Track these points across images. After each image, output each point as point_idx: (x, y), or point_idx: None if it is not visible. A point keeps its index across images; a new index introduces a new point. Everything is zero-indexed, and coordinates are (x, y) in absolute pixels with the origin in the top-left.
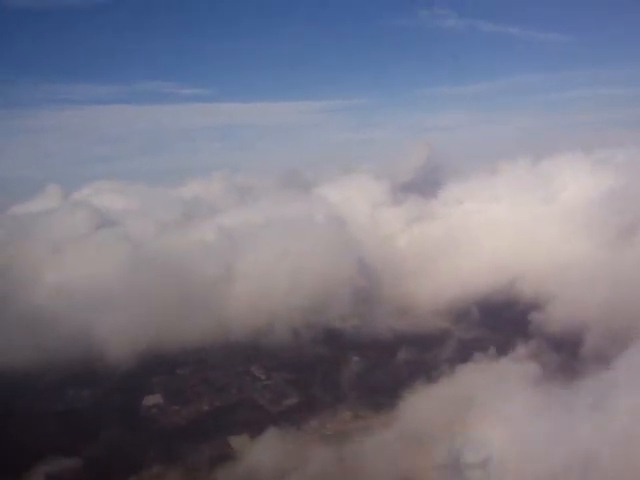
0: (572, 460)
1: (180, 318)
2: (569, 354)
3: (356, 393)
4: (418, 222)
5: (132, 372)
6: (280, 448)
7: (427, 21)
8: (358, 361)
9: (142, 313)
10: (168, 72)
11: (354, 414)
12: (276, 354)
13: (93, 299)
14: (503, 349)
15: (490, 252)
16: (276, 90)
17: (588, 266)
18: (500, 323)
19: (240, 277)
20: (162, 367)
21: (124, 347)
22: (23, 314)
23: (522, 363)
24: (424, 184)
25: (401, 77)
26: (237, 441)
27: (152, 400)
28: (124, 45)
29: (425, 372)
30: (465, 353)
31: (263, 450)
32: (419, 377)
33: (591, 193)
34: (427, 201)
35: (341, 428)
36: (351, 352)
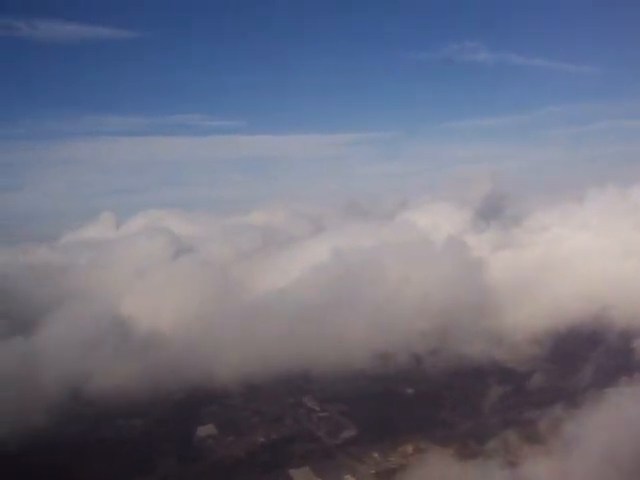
0: None
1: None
2: None
3: (414, 426)
4: (503, 249)
5: (181, 402)
6: None
7: (457, 54)
8: (412, 393)
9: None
10: (195, 104)
11: (415, 447)
12: (326, 386)
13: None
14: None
15: (580, 280)
16: (303, 122)
17: None
18: (597, 351)
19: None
20: (211, 397)
21: (180, 376)
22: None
23: None
24: (497, 212)
25: (430, 110)
26: (299, 474)
27: (206, 431)
28: (154, 78)
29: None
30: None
31: None
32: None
33: None
34: (509, 228)
35: (404, 462)
36: (405, 384)
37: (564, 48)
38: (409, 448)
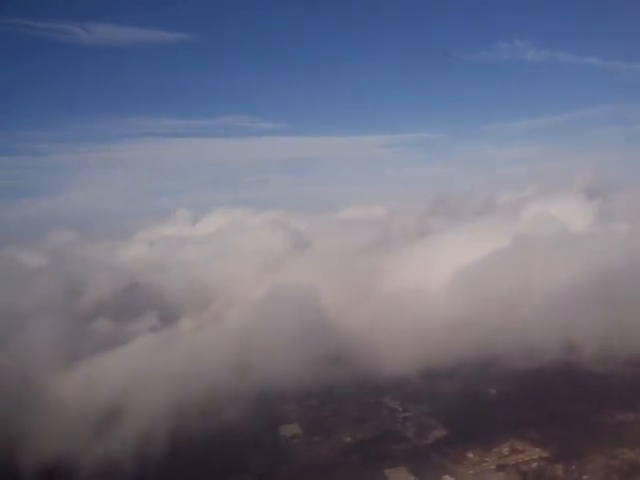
0: None
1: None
2: None
3: (505, 426)
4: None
5: (260, 400)
6: None
7: (506, 53)
8: (495, 394)
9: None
10: (243, 106)
11: (511, 448)
12: (404, 386)
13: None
14: None
15: None
16: (347, 124)
17: None
18: None
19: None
20: (288, 397)
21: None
22: None
23: None
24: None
25: (476, 110)
26: (394, 473)
27: (290, 430)
28: (202, 81)
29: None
30: None
31: None
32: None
33: None
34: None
35: (501, 462)
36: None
37: (615, 46)
38: (505, 449)
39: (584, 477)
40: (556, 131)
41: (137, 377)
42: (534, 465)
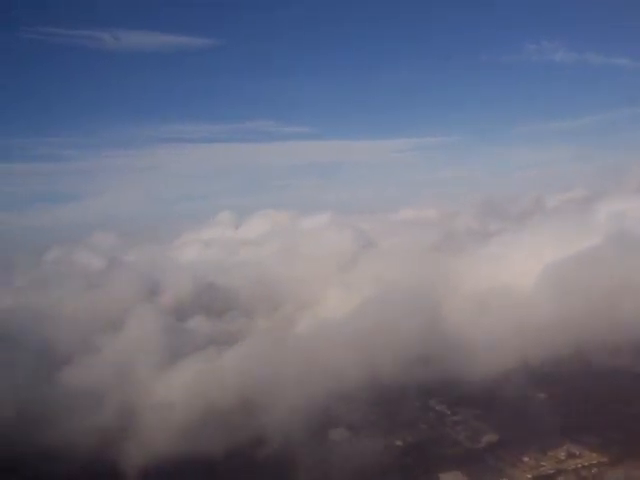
0: None
1: None
2: None
3: (560, 430)
4: None
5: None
6: None
7: (534, 55)
8: (544, 397)
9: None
10: (268, 111)
11: (568, 452)
12: (451, 389)
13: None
14: None
15: None
16: (372, 128)
17: None
18: None
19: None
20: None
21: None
22: None
23: None
24: None
25: (503, 112)
26: (450, 478)
27: (338, 434)
28: (229, 86)
29: None
30: None
31: None
32: None
33: None
34: None
35: (559, 467)
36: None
37: None
38: (561, 453)
39: None
40: (583, 134)
41: (252, 376)
42: (594, 470)
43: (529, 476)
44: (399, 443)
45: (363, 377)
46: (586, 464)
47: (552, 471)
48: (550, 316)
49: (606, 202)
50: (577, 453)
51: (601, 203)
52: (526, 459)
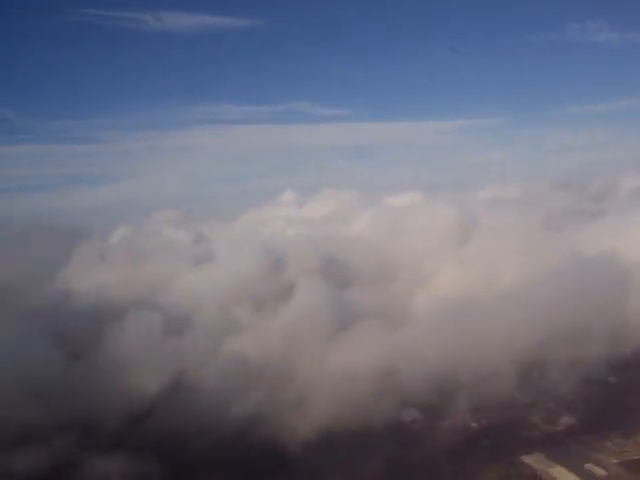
0: None
1: None
2: None
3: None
4: None
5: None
6: (587, 470)
7: (577, 36)
8: (614, 381)
9: None
10: (308, 93)
11: None
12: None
13: None
14: None
15: None
16: (411, 109)
17: None
18: None
19: None
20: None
21: None
22: None
23: None
24: None
25: (544, 94)
26: (533, 460)
27: (410, 415)
28: (266, 67)
29: None
30: None
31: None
32: None
33: None
34: None
35: None
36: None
37: None
38: None
39: None
40: (629, 115)
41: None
42: None
43: (615, 461)
44: (474, 425)
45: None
46: None
47: (637, 457)
48: None
49: None
50: None
51: None
52: (609, 444)
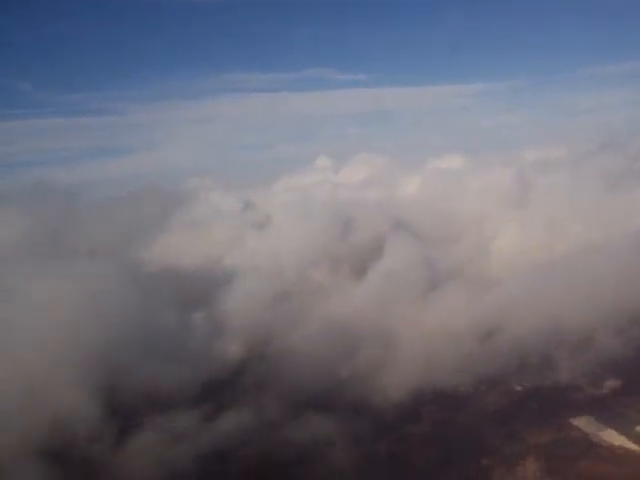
0: None
1: None
2: None
3: None
4: None
5: None
6: (638, 432)
7: None
8: None
9: None
10: (329, 59)
11: None
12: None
13: None
14: None
15: None
16: (428, 74)
17: None
18: None
19: None
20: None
21: None
22: None
23: None
24: None
25: (560, 55)
26: (582, 423)
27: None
28: (284, 34)
29: None
30: None
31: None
32: None
33: None
34: None
35: None
36: None
37: None
38: None
39: None
40: None
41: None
42: None
43: None
44: (519, 388)
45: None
46: None
47: None
48: None
49: None
50: None
51: None
52: None
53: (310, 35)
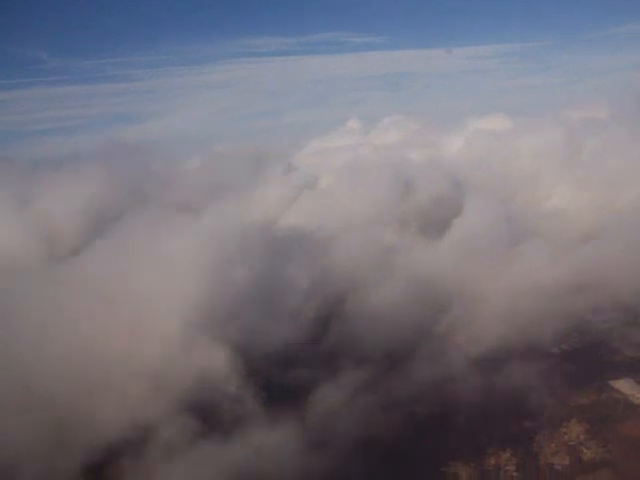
0: None
1: None
2: None
3: None
4: None
5: None
6: None
7: None
8: None
9: None
10: (343, 22)
11: None
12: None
13: None
14: None
15: None
16: (445, 36)
17: None
18: None
19: None
20: None
21: None
22: None
23: None
24: None
25: (581, 14)
26: (622, 385)
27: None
28: None
29: None
30: None
31: None
32: None
33: None
34: None
35: None
36: None
37: None
38: None
39: None
40: None
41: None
42: None
43: None
44: (555, 350)
45: None
46: None
47: None
48: None
49: None
50: None
51: None
52: None
53: None
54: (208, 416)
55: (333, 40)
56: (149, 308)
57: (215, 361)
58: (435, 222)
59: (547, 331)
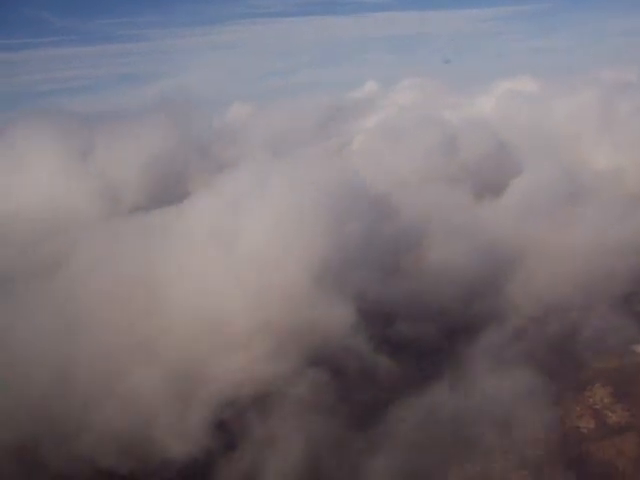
0: None
1: None
2: None
3: None
4: None
5: None
6: None
7: None
8: None
9: None
10: None
11: None
12: None
13: None
14: None
15: None
16: None
17: None
18: None
19: None
20: None
21: None
22: None
23: None
24: None
25: None
26: None
27: None
28: None
29: None
30: None
31: None
32: None
33: None
34: None
35: None
36: None
37: None
38: None
39: None
40: None
41: None
42: None
43: None
44: (572, 314)
45: None
46: None
47: None
48: None
49: None
50: None
51: None
52: None
53: None
54: (335, 369)
55: (340, 0)
56: (269, 261)
57: (338, 315)
58: (487, 182)
59: (609, 291)
